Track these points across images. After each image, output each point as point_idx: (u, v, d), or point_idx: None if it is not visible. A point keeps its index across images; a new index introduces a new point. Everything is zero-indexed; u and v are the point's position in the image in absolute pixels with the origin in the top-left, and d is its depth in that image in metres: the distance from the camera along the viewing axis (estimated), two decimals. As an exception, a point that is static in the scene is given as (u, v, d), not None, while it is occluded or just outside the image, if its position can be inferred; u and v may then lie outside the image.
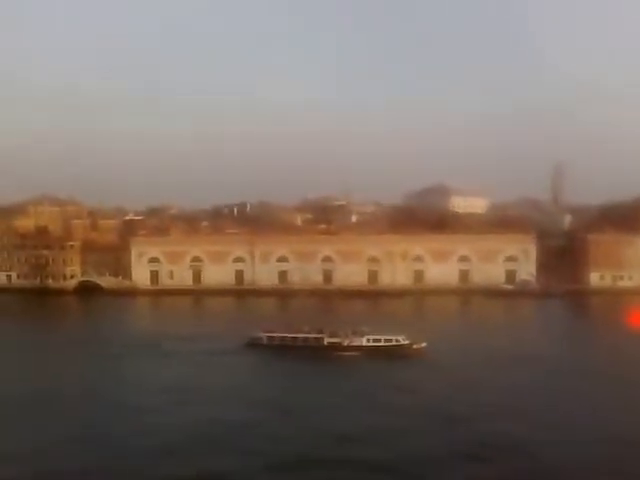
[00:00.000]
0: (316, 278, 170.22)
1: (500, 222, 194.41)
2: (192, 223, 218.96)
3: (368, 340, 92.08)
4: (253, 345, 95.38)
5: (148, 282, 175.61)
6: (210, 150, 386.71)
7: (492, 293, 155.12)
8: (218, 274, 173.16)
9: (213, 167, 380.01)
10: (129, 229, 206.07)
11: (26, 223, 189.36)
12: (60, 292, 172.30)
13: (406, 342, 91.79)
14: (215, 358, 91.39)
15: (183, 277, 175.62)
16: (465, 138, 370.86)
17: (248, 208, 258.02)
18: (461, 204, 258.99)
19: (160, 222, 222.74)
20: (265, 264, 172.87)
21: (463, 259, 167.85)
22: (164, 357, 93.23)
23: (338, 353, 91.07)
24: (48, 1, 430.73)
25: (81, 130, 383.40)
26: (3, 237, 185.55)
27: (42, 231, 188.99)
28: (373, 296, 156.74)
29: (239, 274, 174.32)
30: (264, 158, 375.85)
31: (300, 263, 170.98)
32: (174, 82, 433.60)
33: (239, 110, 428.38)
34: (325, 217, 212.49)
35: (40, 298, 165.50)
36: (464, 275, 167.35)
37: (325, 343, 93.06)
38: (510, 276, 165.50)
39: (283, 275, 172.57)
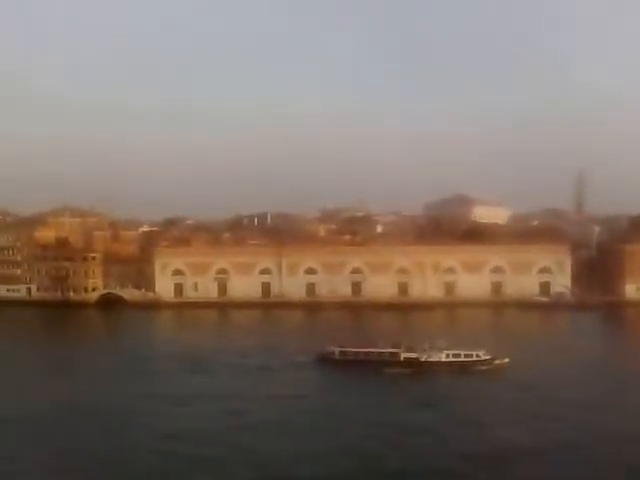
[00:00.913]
0: (344, 290, 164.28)
1: (526, 233, 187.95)
2: (214, 234, 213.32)
3: (447, 355, 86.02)
4: (324, 360, 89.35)
5: (172, 294, 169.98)
6: (220, 160, 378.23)
7: (526, 305, 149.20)
8: (244, 286, 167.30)
9: (224, 177, 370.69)
10: (150, 240, 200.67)
11: (47, 234, 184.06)
12: (82, 305, 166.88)
13: (487, 357, 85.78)
14: (289, 373, 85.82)
15: (208, 289, 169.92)
16: (482, 146, 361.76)
17: (269, 219, 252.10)
18: (483, 214, 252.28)
19: (181, 233, 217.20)
20: (292, 276, 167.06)
21: (496, 270, 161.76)
22: (231, 373, 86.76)
23: (414, 369, 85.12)
24: (77, 17, 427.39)
25: (95, 141, 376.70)
26: (23, 249, 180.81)
27: (63, 242, 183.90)
28: (404, 308, 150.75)
29: (266, 286, 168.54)
30: (277, 167, 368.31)
31: (328, 275, 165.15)
32: (188, 92, 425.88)
33: (252, 119, 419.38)
34: (350, 228, 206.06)
35: (62, 311, 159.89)
36: (497, 287, 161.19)
37: (401, 358, 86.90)
38: (544, 288, 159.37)
39: (311, 287, 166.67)
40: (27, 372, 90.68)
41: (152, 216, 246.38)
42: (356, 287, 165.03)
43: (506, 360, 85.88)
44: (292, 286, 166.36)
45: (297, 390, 77.11)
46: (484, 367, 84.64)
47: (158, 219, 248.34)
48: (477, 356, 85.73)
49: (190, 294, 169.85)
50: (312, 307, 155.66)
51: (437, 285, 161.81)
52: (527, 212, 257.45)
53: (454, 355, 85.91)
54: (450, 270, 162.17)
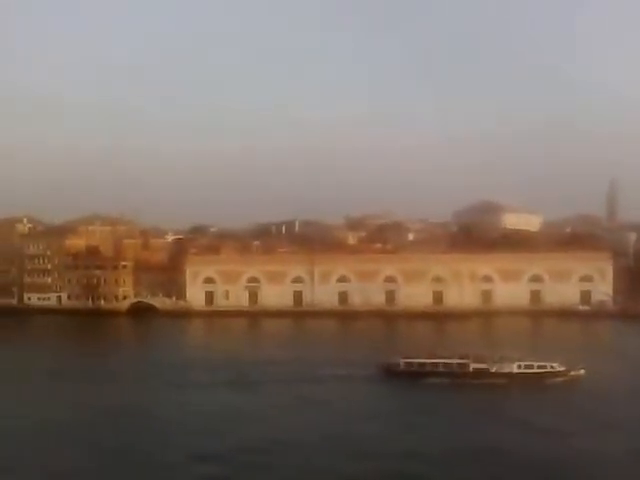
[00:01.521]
0: (378, 299, 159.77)
1: (562, 240, 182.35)
2: (242, 242, 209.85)
3: (519, 366, 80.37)
4: (389, 371, 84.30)
5: (203, 303, 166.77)
6: (242, 167, 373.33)
7: (567, 314, 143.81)
8: (275, 295, 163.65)
9: (247, 184, 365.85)
10: (178, 248, 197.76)
11: (77, 243, 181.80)
12: (113, 313, 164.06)
13: (562, 369, 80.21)
14: (357, 386, 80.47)
15: (239, 298, 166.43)
16: (511, 152, 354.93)
17: (297, 227, 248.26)
18: (513, 221, 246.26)
19: (209, 241, 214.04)
20: (324, 284, 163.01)
21: (534, 279, 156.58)
22: (298, 385, 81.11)
23: (484, 381, 79.83)
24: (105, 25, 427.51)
25: (118, 148, 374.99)
26: (54, 257, 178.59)
27: (93, 251, 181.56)
28: (439, 318, 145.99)
29: (297, 295, 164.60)
30: (299, 175, 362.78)
31: (361, 283, 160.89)
32: (208, 99, 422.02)
33: (271, 127, 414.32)
34: (380, 236, 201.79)
35: (93, 320, 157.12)
36: (536, 295, 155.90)
37: (470, 369, 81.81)
38: (585, 297, 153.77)
39: (343, 296, 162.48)
40: (70, 380, 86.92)
41: (174, 224, 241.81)
42: (390, 296, 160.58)
43: (581, 371, 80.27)
44: (324, 295, 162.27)
45: (381, 406, 72.42)
46: (559, 379, 79.26)
47: (180, 227, 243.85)
48: (552, 367, 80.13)
49: (221, 302, 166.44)
50: (345, 316, 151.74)
51: (473, 294, 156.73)
52: (558, 219, 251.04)
53: (526, 366, 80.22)
54: (486, 278, 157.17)
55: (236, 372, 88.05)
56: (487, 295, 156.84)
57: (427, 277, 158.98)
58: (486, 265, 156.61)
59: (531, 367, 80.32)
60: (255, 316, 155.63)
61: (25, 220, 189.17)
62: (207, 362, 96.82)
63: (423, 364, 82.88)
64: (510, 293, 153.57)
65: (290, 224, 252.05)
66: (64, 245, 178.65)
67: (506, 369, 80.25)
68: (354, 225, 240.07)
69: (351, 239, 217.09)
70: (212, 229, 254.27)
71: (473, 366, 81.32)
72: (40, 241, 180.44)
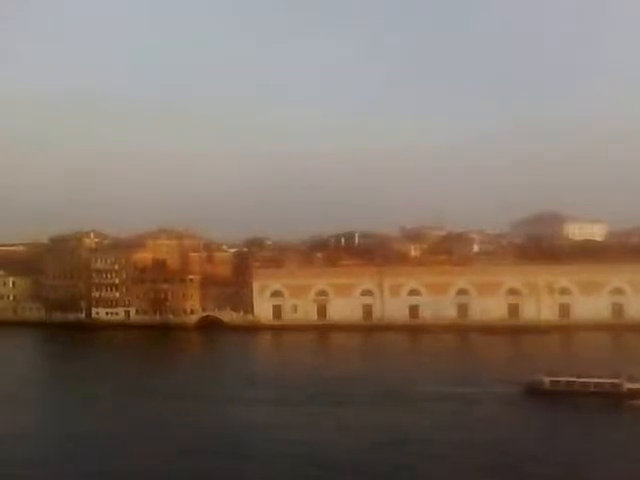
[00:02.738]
0: (450, 312, 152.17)
1: (635, 249, 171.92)
2: (303, 255, 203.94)
3: None
4: (533, 391, 78.08)
5: (270, 317, 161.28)
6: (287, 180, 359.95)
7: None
8: (344, 308, 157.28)
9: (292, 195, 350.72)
10: (241, 262, 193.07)
11: (144, 257, 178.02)
12: (182, 328, 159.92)
13: None
14: (505, 405, 74.95)
15: (307, 311, 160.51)
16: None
17: (356, 239, 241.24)
18: (576, 231, 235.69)
19: (271, 254, 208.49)
20: (395, 297, 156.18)
21: (616, 291, 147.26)
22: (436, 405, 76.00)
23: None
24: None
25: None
26: (121, 271, 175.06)
27: (160, 265, 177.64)
28: (516, 332, 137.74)
29: (367, 308, 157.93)
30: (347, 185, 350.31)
31: (433, 296, 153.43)
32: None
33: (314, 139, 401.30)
34: (445, 247, 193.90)
35: (163, 334, 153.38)
36: (618, 309, 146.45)
37: (624, 389, 75.04)
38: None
39: (414, 309, 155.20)
40: (157, 398, 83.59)
41: (226, 237, 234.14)
42: (462, 309, 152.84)
43: None
44: (394, 308, 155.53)
45: (546, 426, 67.16)
46: None
47: (231, 239, 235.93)
48: None
49: (289, 316, 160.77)
50: (417, 330, 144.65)
51: (551, 307, 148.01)
52: (623, 228, 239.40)
53: None
54: (564, 291, 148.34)
55: (357, 389, 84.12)
56: (565, 308, 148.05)
57: (501, 289, 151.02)
58: (564, 277, 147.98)
59: None
60: (324, 330, 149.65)
61: (92, 235, 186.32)
62: (304, 379, 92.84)
63: (571, 383, 76.78)
64: (590, 306, 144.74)
65: (349, 236, 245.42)
66: (131, 259, 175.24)
67: None
68: (413, 237, 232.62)
69: (413, 251, 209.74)
70: (267, 242, 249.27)
71: (627, 386, 74.75)
72: (107, 255, 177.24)
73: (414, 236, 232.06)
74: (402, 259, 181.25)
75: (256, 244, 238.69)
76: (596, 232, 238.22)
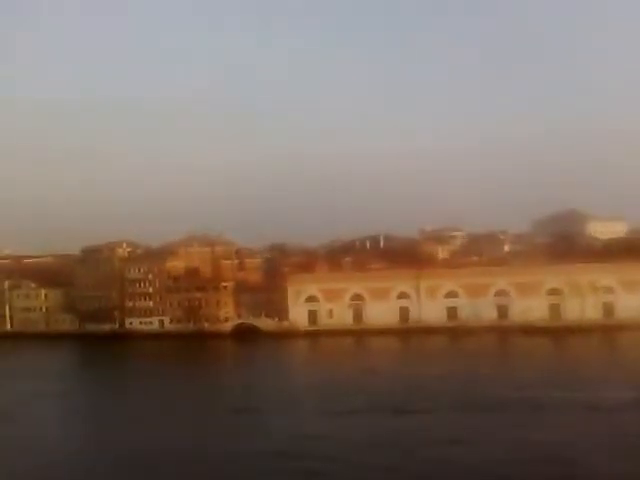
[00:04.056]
0: (489, 314, 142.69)
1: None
2: (333, 259, 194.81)
3: None
4: None
5: (306, 322, 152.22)
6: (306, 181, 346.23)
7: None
8: (381, 312, 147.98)
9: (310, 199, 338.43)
10: (271, 268, 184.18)
11: (177, 265, 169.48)
12: (217, 336, 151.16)
13: None
14: None
15: (343, 316, 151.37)
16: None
17: (381, 242, 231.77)
18: (598, 229, 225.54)
19: (301, 259, 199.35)
20: (432, 300, 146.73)
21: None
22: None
23: None
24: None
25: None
26: (155, 280, 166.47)
27: (193, 273, 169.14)
28: (559, 333, 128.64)
29: (403, 311, 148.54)
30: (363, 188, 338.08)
31: (471, 298, 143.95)
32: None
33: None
34: (475, 248, 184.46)
35: (200, 343, 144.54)
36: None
37: None
38: None
39: (452, 311, 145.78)
40: (207, 409, 75.80)
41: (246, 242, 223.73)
42: (502, 310, 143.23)
43: None
44: (431, 311, 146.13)
45: None
46: None
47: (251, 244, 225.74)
48: None
49: (325, 321, 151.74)
50: (455, 333, 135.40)
51: (594, 306, 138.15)
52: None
53: None
54: (607, 290, 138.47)
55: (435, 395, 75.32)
56: (609, 307, 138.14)
57: (542, 290, 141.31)
58: (606, 275, 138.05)
59: None
60: (362, 334, 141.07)
61: (124, 244, 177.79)
62: (387, 385, 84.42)
63: None
64: (635, 305, 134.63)
65: (374, 239, 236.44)
66: (164, 268, 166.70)
67: None
68: (436, 239, 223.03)
69: (440, 253, 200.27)
70: (289, 246, 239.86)
71: None
72: (140, 265, 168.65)
73: (436, 238, 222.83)
74: (432, 261, 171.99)
75: (277, 249, 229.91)
76: (618, 230, 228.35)
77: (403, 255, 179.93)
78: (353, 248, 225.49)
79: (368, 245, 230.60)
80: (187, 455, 56.85)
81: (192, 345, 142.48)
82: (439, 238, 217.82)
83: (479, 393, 76.13)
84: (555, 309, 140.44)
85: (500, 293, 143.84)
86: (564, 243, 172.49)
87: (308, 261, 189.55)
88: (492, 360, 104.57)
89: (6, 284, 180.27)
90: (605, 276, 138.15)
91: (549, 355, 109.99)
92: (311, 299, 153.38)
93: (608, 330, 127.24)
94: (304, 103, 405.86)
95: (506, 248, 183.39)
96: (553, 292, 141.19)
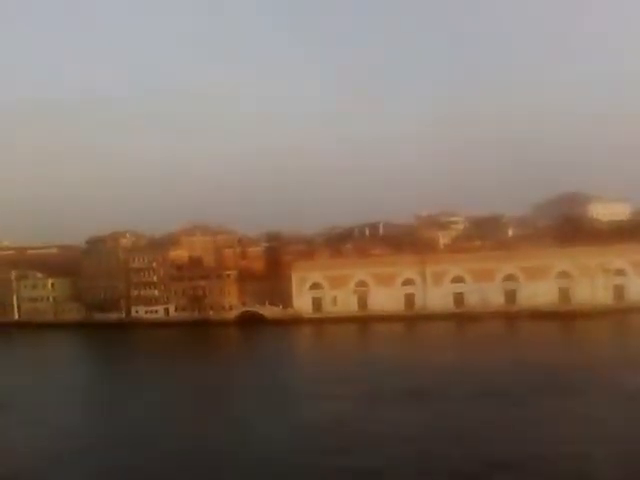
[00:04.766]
0: (497, 299, 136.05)
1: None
2: (334, 246, 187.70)
3: None
4: None
5: (310, 309, 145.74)
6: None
7: None
8: (386, 298, 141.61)
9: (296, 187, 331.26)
10: (272, 256, 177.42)
11: (180, 254, 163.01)
12: (222, 324, 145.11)
13: None
14: None
15: (348, 303, 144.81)
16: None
17: (381, 229, 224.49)
18: (600, 211, 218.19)
19: (301, 246, 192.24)
20: (438, 286, 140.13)
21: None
22: None
23: None
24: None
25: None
26: (159, 269, 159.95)
27: (197, 262, 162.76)
28: (570, 317, 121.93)
29: (409, 298, 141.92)
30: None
31: (478, 283, 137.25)
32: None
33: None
34: (478, 233, 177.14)
35: (206, 331, 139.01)
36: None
37: None
38: None
39: (459, 297, 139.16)
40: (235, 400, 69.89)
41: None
42: (510, 295, 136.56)
43: None
44: (437, 297, 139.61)
45: None
46: None
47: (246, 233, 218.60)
48: None
49: (329, 308, 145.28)
50: (464, 319, 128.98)
51: (604, 289, 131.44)
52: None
53: None
54: (618, 272, 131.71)
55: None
56: (619, 290, 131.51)
57: (551, 273, 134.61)
58: (617, 257, 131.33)
59: None
60: (368, 321, 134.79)
61: (127, 235, 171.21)
62: (412, 372, 79.58)
63: None
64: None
65: (373, 226, 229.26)
66: (168, 257, 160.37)
67: None
68: (433, 224, 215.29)
69: (442, 238, 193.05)
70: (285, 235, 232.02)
71: None
72: (144, 254, 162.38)
73: (436, 223, 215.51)
74: (434, 247, 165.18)
75: (274, 238, 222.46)
76: (621, 212, 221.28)
77: (404, 241, 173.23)
78: (352, 235, 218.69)
79: (367, 232, 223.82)
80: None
81: (200, 333, 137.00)
82: (440, 223, 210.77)
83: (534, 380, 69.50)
84: (565, 293, 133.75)
85: (508, 278, 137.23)
86: (569, 226, 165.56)
87: (309, 249, 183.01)
88: (523, 344, 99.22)
89: (13, 274, 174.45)
90: (615, 258, 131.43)
91: (573, 339, 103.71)
92: (315, 286, 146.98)
93: (620, 313, 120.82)
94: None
95: (510, 232, 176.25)
96: (562, 275, 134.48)
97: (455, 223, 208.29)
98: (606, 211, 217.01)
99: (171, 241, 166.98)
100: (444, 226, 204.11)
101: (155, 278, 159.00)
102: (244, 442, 52.57)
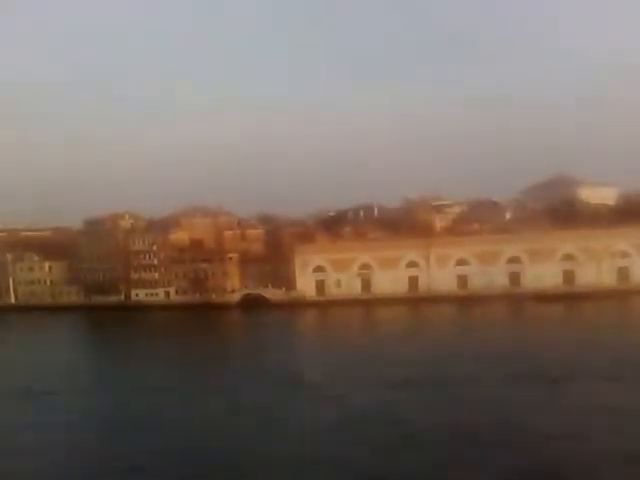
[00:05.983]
0: (501, 281, 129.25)
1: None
2: (331, 229, 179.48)
3: None
4: None
5: (314, 292, 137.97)
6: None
7: None
8: (389, 281, 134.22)
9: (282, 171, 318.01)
10: (272, 238, 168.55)
11: (181, 236, 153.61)
12: (225, 307, 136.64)
13: None
14: None
15: (351, 285, 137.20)
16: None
17: (375, 211, 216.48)
18: (589, 195, 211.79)
19: (301, 229, 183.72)
20: (442, 269, 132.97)
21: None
22: None
23: None
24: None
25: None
26: (160, 252, 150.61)
27: (197, 244, 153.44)
28: (573, 299, 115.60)
29: (413, 280, 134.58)
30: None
31: (482, 266, 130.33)
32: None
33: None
34: (475, 216, 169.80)
35: (208, 314, 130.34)
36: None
37: None
38: None
39: (462, 280, 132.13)
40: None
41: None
42: (514, 277, 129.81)
43: None
44: (441, 279, 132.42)
45: None
46: None
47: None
48: None
49: (333, 291, 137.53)
50: (469, 301, 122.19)
51: (609, 271, 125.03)
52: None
53: None
54: (623, 254, 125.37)
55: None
56: (624, 272, 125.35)
57: (556, 256, 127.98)
58: (622, 240, 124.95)
59: None
60: (372, 304, 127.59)
61: (127, 216, 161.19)
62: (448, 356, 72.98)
63: None
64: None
65: (367, 208, 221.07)
66: (169, 239, 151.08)
67: None
68: (432, 206, 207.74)
69: (439, 221, 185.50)
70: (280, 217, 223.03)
71: None
72: (144, 236, 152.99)
73: (432, 206, 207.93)
74: (433, 229, 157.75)
75: (268, 221, 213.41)
76: (609, 196, 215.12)
77: (401, 224, 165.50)
78: (346, 218, 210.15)
79: (362, 215, 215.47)
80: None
81: (203, 316, 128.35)
82: (433, 206, 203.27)
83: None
84: (569, 275, 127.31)
85: (512, 260, 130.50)
86: (566, 208, 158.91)
87: (308, 232, 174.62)
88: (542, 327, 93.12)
89: (9, 257, 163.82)
90: (620, 240, 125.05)
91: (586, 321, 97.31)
92: (318, 269, 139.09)
93: (626, 295, 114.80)
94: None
95: (507, 215, 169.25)
96: (567, 258, 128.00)
97: (449, 206, 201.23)
98: (594, 194, 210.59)
99: (171, 223, 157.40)
100: (439, 209, 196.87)
101: (155, 261, 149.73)
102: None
